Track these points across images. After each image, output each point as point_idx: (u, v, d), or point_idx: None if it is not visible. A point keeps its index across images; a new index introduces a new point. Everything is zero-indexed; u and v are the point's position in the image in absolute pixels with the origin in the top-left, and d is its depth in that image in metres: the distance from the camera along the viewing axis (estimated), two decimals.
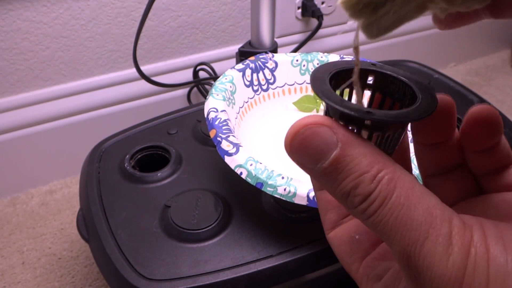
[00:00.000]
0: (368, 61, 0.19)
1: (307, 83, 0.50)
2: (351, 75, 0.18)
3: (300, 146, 0.17)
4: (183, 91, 0.76)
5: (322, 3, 0.80)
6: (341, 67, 0.19)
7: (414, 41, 0.94)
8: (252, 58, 0.49)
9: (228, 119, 0.40)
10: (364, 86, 0.20)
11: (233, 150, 0.36)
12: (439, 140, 0.20)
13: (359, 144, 0.16)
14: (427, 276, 0.15)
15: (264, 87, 0.49)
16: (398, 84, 0.19)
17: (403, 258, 0.16)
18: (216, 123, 0.39)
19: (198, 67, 0.74)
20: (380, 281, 0.20)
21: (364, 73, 0.19)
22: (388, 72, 0.19)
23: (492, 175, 0.20)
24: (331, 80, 0.18)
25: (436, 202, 0.16)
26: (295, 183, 0.34)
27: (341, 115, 0.17)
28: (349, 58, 0.50)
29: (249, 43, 0.65)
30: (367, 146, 0.16)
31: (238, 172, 0.36)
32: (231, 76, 0.45)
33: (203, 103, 0.54)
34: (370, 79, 0.20)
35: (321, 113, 0.49)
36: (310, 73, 0.50)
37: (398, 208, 0.15)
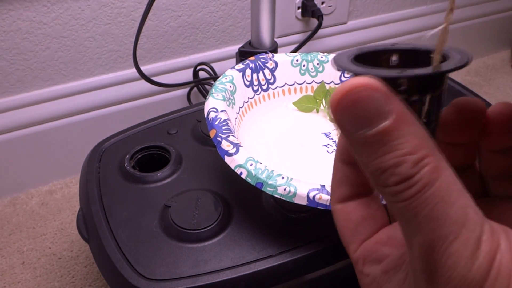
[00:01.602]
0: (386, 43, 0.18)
1: (307, 83, 0.50)
2: (378, 56, 0.17)
3: (350, 105, 0.15)
4: (183, 91, 0.76)
5: (322, 3, 0.80)
6: (360, 52, 0.18)
7: (414, 41, 0.94)
8: (252, 58, 0.49)
9: (228, 119, 0.40)
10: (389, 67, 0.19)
11: (233, 150, 0.36)
12: (465, 140, 0.20)
13: (412, 122, 0.15)
14: (446, 275, 0.15)
15: (264, 87, 0.49)
16: (425, 59, 0.18)
17: (425, 251, 0.15)
18: (216, 123, 0.39)
19: (198, 67, 0.74)
20: (380, 265, 0.19)
21: (386, 54, 0.18)
22: (414, 48, 0.18)
23: (505, 179, 0.20)
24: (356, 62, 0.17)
25: (471, 203, 0.15)
26: (295, 183, 0.34)
27: (383, 79, 0.16)
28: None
29: (249, 43, 0.65)
30: (418, 127, 0.15)
31: (238, 172, 0.36)
32: (231, 76, 0.45)
33: (203, 103, 0.54)
34: (394, 59, 0.19)
35: (321, 113, 0.49)
36: (310, 73, 0.50)
37: (435, 200, 0.15)
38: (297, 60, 0.50)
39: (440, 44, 0.17)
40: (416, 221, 0.15)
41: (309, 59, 0.50)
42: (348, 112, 0.15)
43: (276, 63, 0.49)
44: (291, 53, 0.51)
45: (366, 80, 0.15)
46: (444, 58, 0.17)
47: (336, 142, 0.46)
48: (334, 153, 0.44)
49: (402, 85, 0.16)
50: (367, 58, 0.18)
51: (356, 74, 0.16)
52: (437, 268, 0.15)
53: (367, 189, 0.21)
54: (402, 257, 0.19)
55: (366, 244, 0.20)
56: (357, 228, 0.21)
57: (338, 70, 0.16)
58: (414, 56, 0.18)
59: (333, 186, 0.22)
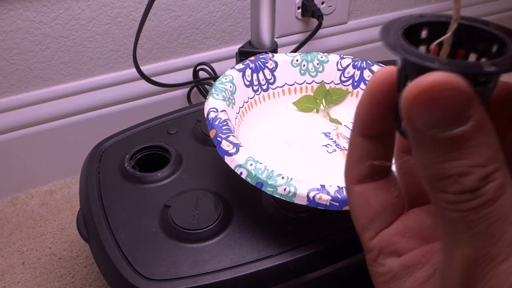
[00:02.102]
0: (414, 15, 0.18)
1: (307, 83, 0.50)
2: (428, 31, 0.16)
3: (429, 102, 0.14)
4: (183, 91, 0.76)
5: (322, 3, 0.80)
6: (405, 24, 0.17)
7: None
8: (252, 58, 0.49)
9: (228, 119, 0.40)
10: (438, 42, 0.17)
11: (233, 150, 0.36)
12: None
13: (489, 131, 0.14)
14: None
15: (264, 87, 0.49)
16: (482, 35, 0.17)
17: (468, 265, 0.15)
18: (216, 123, 0.39)
19: (198, 67, 0.74)
20: (399, 258, 0.19)
21: (434, 28, 0.17)
22: (469, 23, 0.17)
23: None
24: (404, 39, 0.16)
25: None
26: (295, 183, 0.34)
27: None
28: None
29: (249, 43, 0.65)
30: (494, 137, 0.14)
31: (238, 172, 0.36)
32: (231, 76, 0.45)
33: (203, 103, 0.54)
34: (424, 34, 0.18)
35: (321, 113, 0.49)
36: (310, 73, 0.50)
37: (494, 218, 0.14)
38: (297, 60, 0.50)
39: (456, 12, 0.16)
40: (468, 234, 0.14)
41: (309, 59, 0.50)
42: (425, 109, 0.14)
43: (276, 63, 0.49)
44: (291, 53, 0.51)
45: (453, 79, 0.14)
46: (501, 45, 0.16)
47: (334, 139, 0.46)
48: (334, 153, 0.44)
49: (480, 80, 0.15)
50: (417, 31, 0.17)
51: (430, 68, 0.14)
52: (476, 284, 0.15)
53: (388, 166, 0.20)
54: (427, 256, 0.18)
55: (384, 234, 0.20)
56: (377, 216, 0.20)
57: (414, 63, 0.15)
58: (472, 32, 0.17)
59: (350, 163, 0.20)
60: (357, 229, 0.21)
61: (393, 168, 0.21)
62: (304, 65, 0.50)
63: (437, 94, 0.14)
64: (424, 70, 0.15)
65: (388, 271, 0.19)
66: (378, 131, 0.19)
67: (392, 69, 0.18)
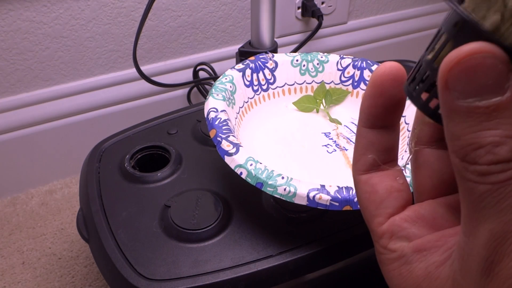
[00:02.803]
0: None
1: (307, 83, 0.50)
2: None
3: (469, 69, 0.14)
4: (183, 91, 0.76)
5: (322, 3, 0.80)
6: None
7: (414, 41, 0.94)
8: (252, 58, 0.49)
9: (228, 119, 0.40)
10: None
11: (233, 150, 0.36)
12: None
13: None
14: (509, 268, 0.14)
15: (264, 87, 0.49)
16: None
17: (496, 239, 0.15)
18: (216, 123, 0.39)
19: (198, 67, 0.74)
20: (411, 242, 0.19)
21: None
22: None
23: None
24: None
25: None
26: (295, 183, 0.34)
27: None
28: (348, 57, 0.50)
29: (249, 43, 0.65)
30: None
31: (238, 172, 0.36)
32: (231, 76, 0.45)
33: (203, 103, 0.54)
34: None
35: (321, 113, 0.49)
36: (310, 73, 0.50)
37: None
38: (297, 60, 0.50)
39: None
40: (497, 208, 0.14)
41: (309, 59, 0.50)
42: (464, 76, 0.14)
43: (276, 63, 0.49)
44: (291, 53, 0.51)
45: (495, 49, 0.14)
46: None
47: (334, 139, 0.46)
48: (334, 153, 0.44)
49: None
50: None
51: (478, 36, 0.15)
52: (503, 259, 0.15)
53: (393, 157, 0.21)
54: (441, 240, 0.18)
55: (393, 219, 0.20)
56: (384, 201, 0.20)
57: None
58: None
59: (356, 154, 0.21)
60: (366, 218, 0.21)
61: (399, 162, 0.22)
62: (304, 65, 0.50)
63: (478, 61, 0.14)
64: (473, 32, 0.15)
65: (400, 256, 0.19)
66: (382, 122, 0.20)
67: (395, 63, 0.19)
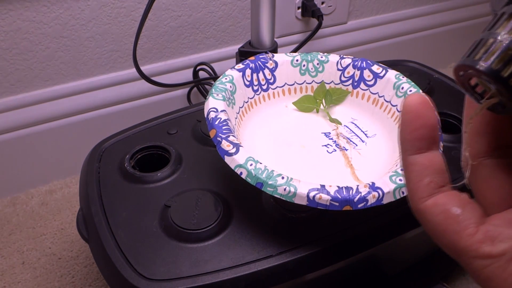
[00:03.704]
0: None
1: (307, 83, 0.50)
2: None
3: None
4: (183, 91, 0.76)
5: (322, 3, 0.80)
6: None
7: (414, 41, 0.94)
8: (252, 58, 0.49)
9: (228, 119, 0.40)
10: None
11: (233, 150, 0.36)
12: None
13: None
14: None
15: (264, 87, 0.49)
16: None
17: None
18: (216, 123, 0.39)
19: (198, 67, 0.74)
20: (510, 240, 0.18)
21: None
22: None
23: None
24: None
25: None
26: (295, 183, 0.34)
27: None
28: (348, 58, 0.50)
29: (249, 43, 0.65)
30: None
31: (238, 172, 0.36)
32: (231, 76, 0.45)
33: (203, 103, 0.54)
34: None
35: (321, 113, 0.49)
36: (310, 73, 0.50)
37: None
38: (297, 60, 0.50)
39: None
40: None
41: (309, 59, 0.50)
42: None
43: (276, 63, 0.49)
44: (291, 53, 0.51)
45: None
46: None
47: (334, 139, 0.46)
48: (334, 153, 0.44)
49: None
50: None
51: None
52: None
53: (447, 179, 0.21)
54: None
55: (485, 227, 0.19)
56: (463, 214, 0.19)
57: None
58: None
59: (412, 185, 0.21)
60: (449, 240, 0.20)
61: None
62: (304, 65, 0.50)
63: None
64: None
65: (504, 252, 0.18)
66: (426, 143, 0.21)
67: (423, 96, 0.20)
